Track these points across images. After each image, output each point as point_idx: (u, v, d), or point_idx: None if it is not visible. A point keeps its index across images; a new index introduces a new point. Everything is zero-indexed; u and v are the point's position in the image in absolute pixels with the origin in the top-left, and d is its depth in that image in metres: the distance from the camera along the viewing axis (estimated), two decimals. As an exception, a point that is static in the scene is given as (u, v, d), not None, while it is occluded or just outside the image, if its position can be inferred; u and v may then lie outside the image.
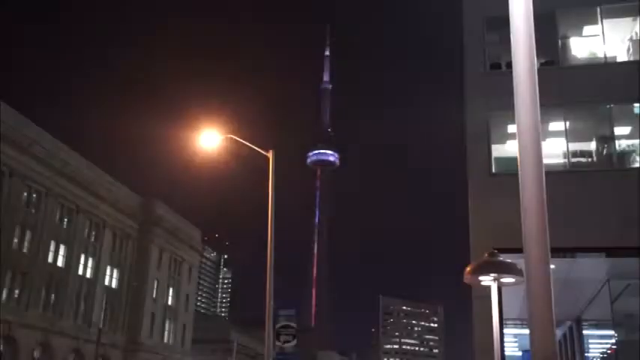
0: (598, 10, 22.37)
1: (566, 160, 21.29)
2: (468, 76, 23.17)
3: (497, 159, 21.77)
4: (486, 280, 10.18)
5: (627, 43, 22.73)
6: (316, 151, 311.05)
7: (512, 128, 20.73)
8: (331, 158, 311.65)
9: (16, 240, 58.34)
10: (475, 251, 19.56)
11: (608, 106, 21.67)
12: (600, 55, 22.47)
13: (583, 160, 22.12)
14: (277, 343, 27.13)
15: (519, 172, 4.80)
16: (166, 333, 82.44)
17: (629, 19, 22.83)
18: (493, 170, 21.47)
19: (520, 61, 4.95)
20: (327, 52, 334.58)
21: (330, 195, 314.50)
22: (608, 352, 23.49)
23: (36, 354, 60.11)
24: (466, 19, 23.94)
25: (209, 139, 22.22)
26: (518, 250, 4.81)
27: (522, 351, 28.06)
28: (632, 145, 21.37)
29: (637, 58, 21.94)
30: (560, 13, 22.59)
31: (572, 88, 21.81)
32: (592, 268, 21.06)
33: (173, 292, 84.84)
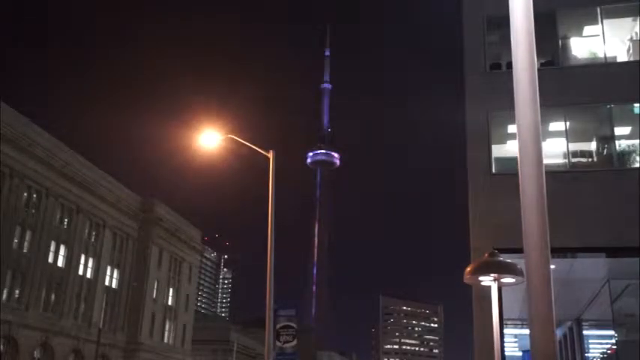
0: (598, 10, 22.36)
1: (566, 160, 21.27)
2: (468, 76, 23.16)
3: (497, 159, 21.76)
4: (486, 280, 10.18)
5: (627, 43, 22.72)
6: (316, 151, 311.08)
7: (512, 128, 20.74)
8: (331, 158, 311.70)
9: (16, 240, 58.30)
10: (475, 251, 19.56)
11: (608, 106, 21.65)
12: (600, 55, 22.45)
13: (583, 160, 22.09)
14: (277, 343, 27.15)
15: (519, 172, 4.79)
16: (166, 333, 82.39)
17: (629, 19, 22.83)
18: (493, 170, 21.46)
19: (520, 61, 4.95)
20: (327, 52, 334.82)
21: (330, 195, 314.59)
22: (608, 352, 23.47)
23: (36, 354, 60.11)
24: (466, 19, 23.93)
25: (209, 139, 22.23)
26: (519, 250, 4.80)
27: (522, 351, 28.10)
28: (632, 145, 21.36)
29: (637, 58, 21.92)
30: (560, 13, 22.58)
31: (572, 88, 21.80)
32: (592, 268, 21.05)
33: (173, 292, 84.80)
